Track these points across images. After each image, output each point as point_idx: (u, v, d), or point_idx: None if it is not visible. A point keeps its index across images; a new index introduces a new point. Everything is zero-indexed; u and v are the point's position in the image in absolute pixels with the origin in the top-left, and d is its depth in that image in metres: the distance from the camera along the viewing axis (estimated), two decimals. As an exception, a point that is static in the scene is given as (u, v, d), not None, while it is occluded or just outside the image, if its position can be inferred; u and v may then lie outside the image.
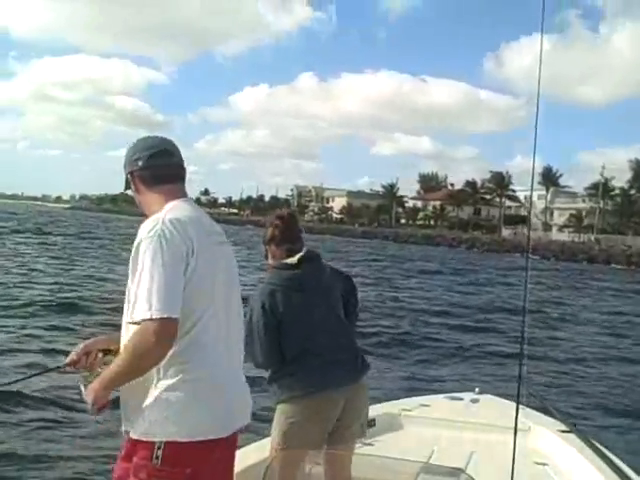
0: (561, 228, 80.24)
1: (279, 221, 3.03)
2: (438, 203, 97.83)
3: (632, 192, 77.45)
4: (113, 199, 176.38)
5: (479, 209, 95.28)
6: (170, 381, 1.96)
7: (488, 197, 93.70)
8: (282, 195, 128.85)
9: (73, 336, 10.20)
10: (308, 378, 2.85)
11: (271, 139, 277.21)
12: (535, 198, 79.85)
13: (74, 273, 19.97)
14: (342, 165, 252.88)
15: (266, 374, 2.98)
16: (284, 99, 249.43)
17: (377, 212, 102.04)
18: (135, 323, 1.92)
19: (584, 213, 79.15)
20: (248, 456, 2.54)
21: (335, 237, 71.56)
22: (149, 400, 1.97)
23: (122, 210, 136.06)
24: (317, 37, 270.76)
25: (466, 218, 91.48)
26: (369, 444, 3.59)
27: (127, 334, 2.02)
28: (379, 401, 4.44)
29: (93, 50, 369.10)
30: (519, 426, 2.68)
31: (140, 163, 2.16)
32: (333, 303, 3.03)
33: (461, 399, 4.75)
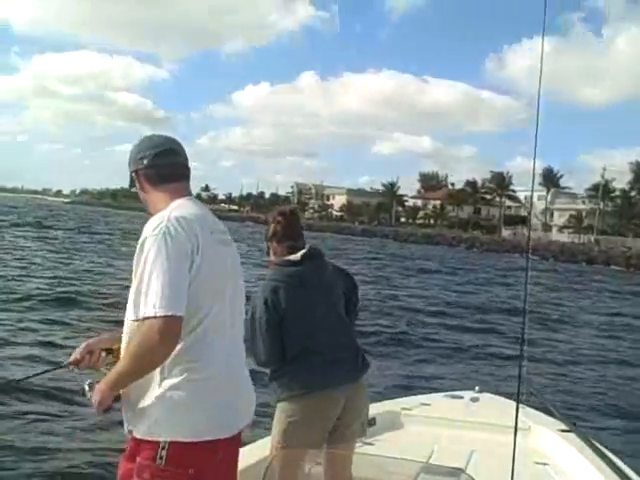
0: (561, 229, 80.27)
1: (281, 217, 3.02)
2: (438, 202, 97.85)
3: (632, 194, 77.49)
4: (113, 194, 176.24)
5: (479, 209, 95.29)
6: (175, 380, 1.95)
7: (488, 197, 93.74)
8: (282, 192, 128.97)
9: (69, 330, 10.23)
10: (308, 377, 2.84)
11: (272, 137, 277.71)
12: (535, 199, 79.89)
13: (73, 267, 19.96)
14: (342, 163, 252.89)
15: (266, 370, 2.96)
16: (286, 97, 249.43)
17: (377, 210, 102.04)
18: (139, 320, 1.90)
19: (584, 214, 79.19)
20: (248, 455, 2.53)
21: (335, 235, 71.51)
22: (153, 399, 1.96)
23: (122, 205, 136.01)
24: (319, 36, 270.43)
25: (466, 218, 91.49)
26: (369, 443, 3.58)
27: (129, 332, 2.01)
28: (379, 400, 4.42)
29: (95, 46, 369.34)
30: (519, 425, 2.67)
31: (145, 162, 2.15)
32: (334, 301, 3.02)
33: (461, 398, 4.75)
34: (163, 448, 1.92)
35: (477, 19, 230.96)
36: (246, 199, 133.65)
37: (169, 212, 2.00)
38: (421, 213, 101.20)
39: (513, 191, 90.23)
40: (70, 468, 5.08)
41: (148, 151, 2.16)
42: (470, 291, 24.09)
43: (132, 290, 1.98)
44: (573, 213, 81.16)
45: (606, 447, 3.68)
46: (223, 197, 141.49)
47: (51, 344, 8.99)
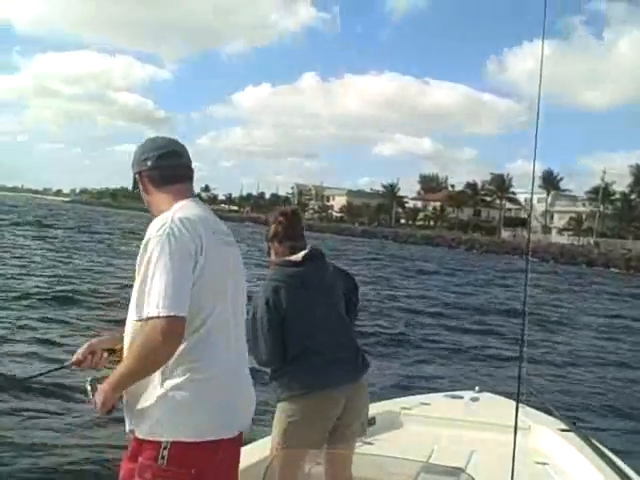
0: (561, 231, 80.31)
1: (283, 218, 3.03)
2: (438, 204, 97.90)
3: (632, 197, 77.54)
4: (113, 194, 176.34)
5: (479, 211, 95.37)
6: (177, 380, 1.95)
7: (488, 199, 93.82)
8: (282, 193, 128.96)
9: (68, 329, 10.25)
10: (309, 377, 2.84)
11: (273, 137, 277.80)
12: (535, 201, 79.93)
13: (72, 266, 19.94)
14: (343, 164, 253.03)
15: (266, 369, 2.97)
16: (287, 98, 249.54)
17: (377, 211, 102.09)
18: (142, 320, 1.91)
19: (584, 217, 79.24)
20: (249, 455, 2.53)
21: (335, 236, 71.53)
22: (155, 399, 1.96)
23: (122, 205, 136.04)
24: (321, 37, 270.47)
25: (466, 219, 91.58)
26: (369, 443, 3.59)
27: (132, 331, 2.01)
28: (379, 400, 4.42)
29: (96, 45, 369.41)
30: (519, 425, 2.67)
31: (149, 163, 2.16)
32: (335, 301, 3.02)
33: (461, 398, 4.76)
34: (165, 448, 1.92)
35: (478, 21, 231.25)
36: (246, 199, 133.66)
37: (173, 213, 2.01)
38: (421, 214, 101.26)
39: (513, 193, 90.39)
40: (69, 465, 5.09)
41: (152, 153, 2.17)
42: (469, 292, 24.09)
43: (135, 290, 1.98)
44: (573, 215, 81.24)
45: (606, 447, 3.68)
46: (223, 197, 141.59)
47: (49, 342, 9.02)
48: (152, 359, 1.89)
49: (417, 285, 25.28)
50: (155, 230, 1.96)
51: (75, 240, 32.01)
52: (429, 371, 10.05)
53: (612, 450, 3.73)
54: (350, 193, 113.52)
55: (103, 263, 21.89)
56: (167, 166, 2.16)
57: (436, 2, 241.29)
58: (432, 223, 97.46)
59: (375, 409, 3.76)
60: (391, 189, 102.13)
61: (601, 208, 76.96)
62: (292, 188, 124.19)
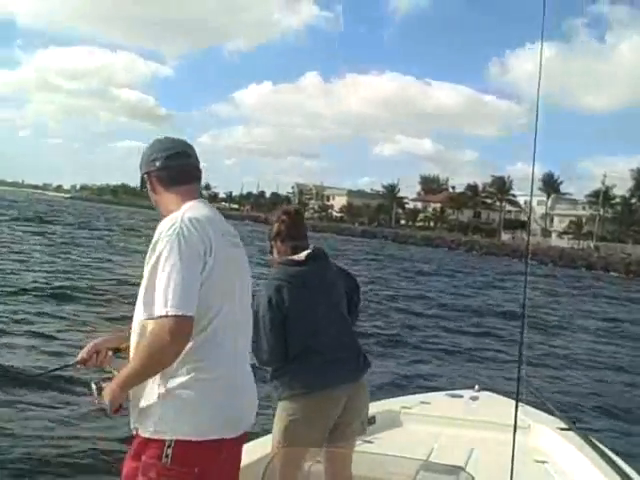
0: (560, 234, 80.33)
1: (286, 217, 3.04)
2: (438, 205, 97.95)
3: (633, 201, 77.57)
4: (113, 190, 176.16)
5: (479, 212, 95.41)
6: (183, 379, 1.96)
7: (489, 201, 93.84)
8: (283, 192, 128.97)
9: (64, 324, 10.26)
10: (309, 376, 2.85)
11: (274, 136, 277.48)
12: (535, 204, 79.93)
13: (70, 262, 19.95)
14: (343, 164, 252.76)
15: (268, 368, 2.97)
16: (288, 97, 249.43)
17: (377, 212, 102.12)
18: (150, 319, 1.92)
19: (584, 220, 79.26)
20: (249, 453, 2.54)
21: (335, 236, 71.56)
22: (160, 398, 1.97)
23: (122, 201, 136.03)
24: (323, 36, 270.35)
25: (466, 221, 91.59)
26: (369, 441, 3.60)
27: (139, 330, 2.02)
28: (379, 399, 4.44)
29: (99, 41, 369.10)
30: (519, 423, 2.68)
31: (158, 163, 2.18)
32: (337, 301, 3.03)
33: (461, 397, 4.77)
34: (169, 447, 1.93)
35: (481, 22, 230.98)
36: (246, 198, 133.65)
37: (182, 213, 2.02)
38: (421, 216, 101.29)
39: (513, 196, 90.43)
40: (65, 455, 5.15)
41: (160, 153, 2.18)
42: (468, 294, 24.11)
43: (142, 289, 1.99)
44: (573, 219, 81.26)
45: (605, 446, 3.69)
46: (224, 196, 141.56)
47: (45, 336, 9.08)
48: (159, 358, 1.90)
49: (416, 286, 25.29)
50: (165, 230, 1.97)
51: (75, 236, 32.04)
52: (428, 371, 10.06)
53: (611, 451, 3.73)
54: (350, 193, 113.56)
55: (102, 259, 21.91)
56: (175, 166, 2.17)
57: (439, 2, 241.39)
58: (432, 224, 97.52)
59: (375, 408, 3.78)
60: (391, 190, 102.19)
61: (601, 212, 77.01)
62: (292, 187, 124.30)
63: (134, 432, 2.05)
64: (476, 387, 4.96)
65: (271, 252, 3.11)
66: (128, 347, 2.12)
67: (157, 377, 1.96)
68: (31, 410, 6.10)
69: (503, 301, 22.01)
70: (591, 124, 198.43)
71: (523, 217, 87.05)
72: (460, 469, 2.54)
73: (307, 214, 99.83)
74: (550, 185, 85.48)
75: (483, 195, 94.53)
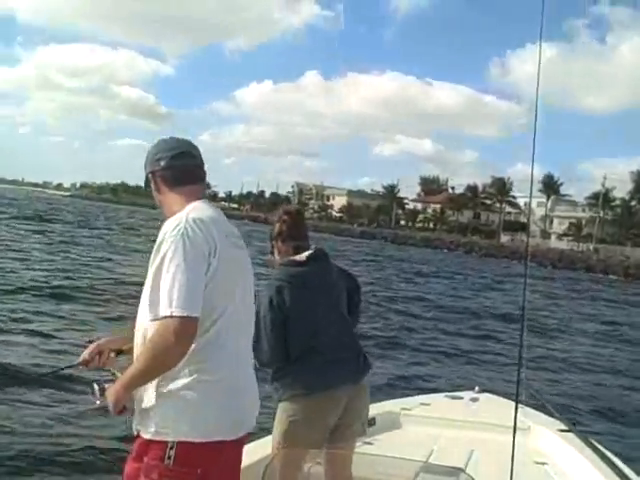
0: (560, 236, 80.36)
1: (287, 217, 3.04)
2: (438, 206, 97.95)
3: (632, 203, 77.59)
4: (113, 189, 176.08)
5: (479, 214, 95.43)
6: (185, 380, 1.96)
7: (488, 202, 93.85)
8: (283, 192, 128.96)
9: (62, 323, 10.26)
10: (310, 377, 2.85)
11: (274, 135, 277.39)
12: (535, 205, 79.92)
13: (69, 261, 19.93)
14: (343, 164, 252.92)
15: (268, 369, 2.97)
16: (288, 96, 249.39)
17: (377, 212, 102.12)
18: (154, 320, 1.92)
19: (584, 222, 79.29)
20: (249, 454, 2.54)
21: (334, 236, 71.57)
22: (163, 399, 1.97)
23: (122, 200, 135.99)
24: (323, 35, 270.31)
25: (465, 222, 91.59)
26: (369, 443, 3.60)
27: (143, 331, 2.02)
28: (379, 400, 4.44)
29: (99, 39, 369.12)
30: (519, 425, 2.68)
31: (162, 163, 2.18)
32: (337, 302, 3.04)
33: (461, 398, 4.78)
34: (171, 448, 1.93)
35: (482, 22, 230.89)
36: (246, 197, 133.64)
37: (187, 214, 2.02)
38: (421, 216, 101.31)
39: (513, 197, 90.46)
40: (63, 455, 5.15)
41: (165, 153, 2.19)
42: (467, 296, 24.09)
43: (147, 289, 1.99)
44: (573, 221, 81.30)
45: (605, 448, 3.68)
46: (223, 195, 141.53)
47: (43, 334, 9.08)
48: (164, 359, 1.90)
49: (415, 287, 25.28)
50: (169, 231, 1.97)
51: (74, 235, 32.00)
52: (427, 373, 10.06)
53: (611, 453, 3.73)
54: (350, 193, 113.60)
55: (102, 258, 21.87)
56: (180, 166, 2.18)
57: (439, 2, 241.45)
58: (432, 225, 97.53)
59: (375, 409, 3.77)
60: (391, 190, 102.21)
61: (601, 214, 77.04)
62: (292, 187, 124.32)
63: (135, 433, 2.05)
64: (476, 388, 4.96)
65: (272, 252, 3.11)
66: (131, 348, 2.12)
67: (159, 378, 1.96)
68: (29, 409, 6.10)
69: (502, 303, 22.00)
70: (591, 125, 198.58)
71: (523, 219, 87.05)
72: (460, 471, 2.54)
73: (307, 214, 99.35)
74: (550, 187, 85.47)
75: (483, 196, 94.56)
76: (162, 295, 1.90)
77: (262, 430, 3.15)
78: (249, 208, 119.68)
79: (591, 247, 70.67)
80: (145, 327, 2.01)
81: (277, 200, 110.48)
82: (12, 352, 7.95)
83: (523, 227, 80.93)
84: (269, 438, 3.00)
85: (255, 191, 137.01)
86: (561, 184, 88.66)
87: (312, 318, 2.90)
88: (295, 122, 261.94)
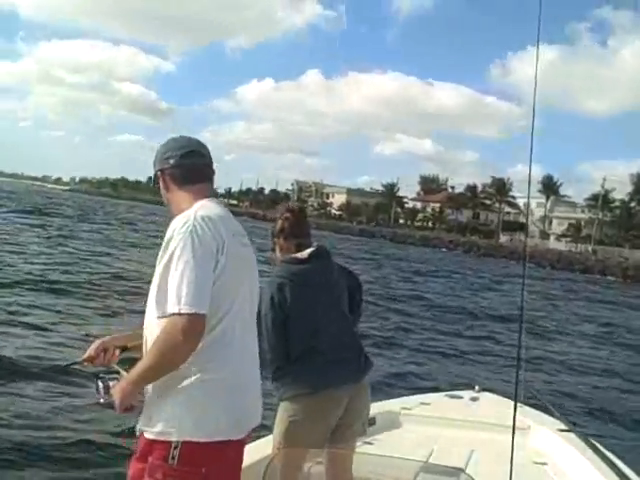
0: (559, 237, 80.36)
1: (289, 214, 3.04)
2: (437, 205, 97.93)
3: (632, 205, 77.59)
4: (113, 184, 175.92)
5: (478, 213, 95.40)
6: (190, 379, 1.96)
7: (488, 202, 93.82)
8: (282, 189, 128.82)
9: (58, 317, 10.26)
10: (311, 376, 2.84)
11: (274, 133, 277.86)
12: (534, 206, 79.91)
13: (67, 255, 19.88)
14: (343, 162, 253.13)
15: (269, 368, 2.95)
16: (289, 94, 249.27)
17: (376, 211, 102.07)
18: (162, 317, 1.92)
19: (583, 223, 79.30)
20: (250, 454, 2.53)
21: (333, 234, 71.54)
22: (167, 399, 1.97)
23: (121, 195, 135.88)
24: (325, 35, 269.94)
25: (465, 222, 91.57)
26: (369, 443, 3.60)
27: (151, 328, 2.02)
28: (379, 399, 4.43)
29: (101, 35, 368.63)
30: (519, 425, 2.67)
31: (172, 161, 2.19)
32: (339, 300, 3.03)
33: (461, 397, 4.77)
34: (175, 447, 1.93)
35: (483, 24, 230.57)
36: (245, 194, 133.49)
37: (195, 212, 2.02)
38: (420, 215, 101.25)
39: (513, 197, 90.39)
40: (60, 450, 5.15)
41: (175, 151, 2.20)
42: (465, 296, 24.09)
43: (155, 286, 1.99)
44: (572, 222, 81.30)
45: (605, 448, 3.67)
46: (223, 191, 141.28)
47: (39, 328, 9.09)
48: (172, 357, 1.90)
49: (413, 286, 25.26)
50: (178, 228, 1.97)
51: (73, 229, 31.96)
52: (425, 372, 10.05)
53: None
54: (350, 191, 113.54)
55: (100, 253, 21.84)
56: (189, 165, 2.18)
57: (441, 4, 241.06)
58: (431, 224, 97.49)
59: (375, 409, 3.76)
60: (391, 189, 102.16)
61: (600, 215, 77.04)
62: (292, 184, 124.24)
63: (138, 434, 2.04)
64: (476, 388, 4.95)
65: (273, 249, 3.11)
66: (136, 346, 2.13)
67: (165, 377, 1.95)
68: (25, 402, 6.10)
69: (500, 304, 21.99)
70: (592, 128, 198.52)
71: (522, 219, 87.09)
72: (460, 471, 2.52)
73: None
74: (549, 187, 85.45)
75: (482, 196, 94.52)
76: (170, 292, 1.89)
77: (263, 428, 3.14)
78: (248, 205, 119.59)
79: (590, 248, 70.67)
80: (153, 324, 2.00)
81: (276, 197, 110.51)
82: (8, 345, 7.94)
83: (522, 227, 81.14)
84: (270, 438, 3.00)
85: (254, 188, 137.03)
86: (560, 185, 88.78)
87: (313, 316, 2.89)
88: (296, 120, 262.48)
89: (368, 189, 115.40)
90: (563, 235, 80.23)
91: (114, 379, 2.05)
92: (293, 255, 2.97)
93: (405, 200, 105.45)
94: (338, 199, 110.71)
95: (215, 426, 1.97)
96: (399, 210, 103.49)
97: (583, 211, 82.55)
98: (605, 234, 76.11)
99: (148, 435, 1.99)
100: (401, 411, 4.29)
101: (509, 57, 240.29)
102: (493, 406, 4.52)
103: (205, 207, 2.07)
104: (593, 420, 8.41)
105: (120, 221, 44.92)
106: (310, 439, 2.82)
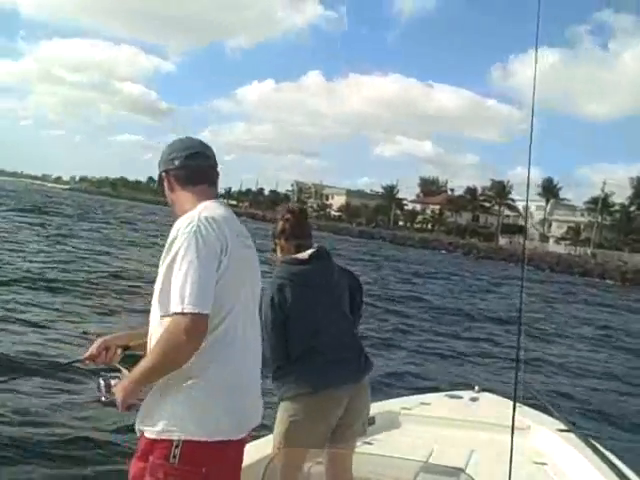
0: (558, 240, 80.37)
1: (290, 215, 3.04)
2: (437, 207, 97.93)
3: (631, 209, 77.64)
4: (113, 183, 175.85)
5: (477, 216, 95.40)
6: (191, 379, 1.96)
7: (487, 205, 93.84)
8: (282, 190, 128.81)
9: (55, 315, 10.26)
10: (312, 376, 2.84)
11: (274, 134, 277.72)
12: (534, 209, 79.92)
13: (66, 254, 19.87)
14: (343, 164, 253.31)
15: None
16: (290, 95, 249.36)
17: (375, 212, 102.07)
18: (166, 317, 1.93)
19: (582, 227, 79.32)
20: (250, 453, 2.54)
21: (332, 235, 71.51)
22: (168, 398, 1.97)
23: (121, 195, 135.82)
24: (326, 36, 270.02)
25: (464, 224, 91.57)
26: (369, 443, 3.60)
27: (155, 328, 2.02)
28: (378, 399, 4.43)
29: (102, 34, 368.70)
30: (518, 425, 2.67)
31: (177, 162, 2.20)
32: (339, 301, 3.03)
33: (461, 397, 4.77)
34: (177, 447, 1.94)
35: (484, 26, 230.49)
36: (245, 195, 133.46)
37: (199, 212, 2.03)
38: (419, 217, 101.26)
39: (512, 200, 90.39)
40: (59, 447, 5.16)
41: (180, 152, 2.21)
42: (464, 298, 24.09)
43: (158, 286, 2.00)
44: (571, 225, 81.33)
45: (605, 448, 3.67)
46: (222, 192, 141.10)
47: (38, 325, 9.10)
48: (175, 356, 1.90)
49: (412, 288, 25.26)
50: (182, 228, 1.98)
51: (72, 228, 31.95)
52: (424, 373, 10.05)
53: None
54: (349, 193, 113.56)
55: (99, 252, 21.83)
56: (194, 166, 2.19)
57: (443, 6, 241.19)
58: (430, 226, 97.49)
59: (375, 409, 3.76)
60: (390, 191, 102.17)
61: (599, 219, 77.08)
62: (292, 185, 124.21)
63: (138, 434, 2.05)
64: (476, 388, 4.95)
65: (274, 250, 3.11)
66: (138, 345, 2.15)
67: (167, 376, 1.96)
68: (22, 399, 6.09)
69: (499, 306, 21.99)
70: (592, 131, 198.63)
71: (521, 222, 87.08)
72: (460, 471, 2.53)
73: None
74: (549, 190, 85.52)
75: (482, 199, 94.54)
76: (173, 292, 1.90)
77: (263, 427, 3.14)
78: (248, 205, 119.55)
79: (589, 252, 70.67)
80: (157, 323, 2.01)
81: (276, 198, 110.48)
82: (6, 342, 7.94)
83: (521, 230, 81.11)
84: (270, 437, 3.00)
85: (254, 188, 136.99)
86: (560, 188, 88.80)
87: (313, 317, 2.89)
88: (296, 121, 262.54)
89: (368, 190, 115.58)
90: (562, 238, 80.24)
91: (116, 377, 2.06)
92: (293, 256, 2.98)
93: (405, 202, 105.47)
94: (337, 200, 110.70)
95: (216, 426, 1.97)
96: (399, 212, 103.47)
97: (582, 214, 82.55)
98: (604, 237, 76.14)
99: (149, 434, 1.99)
100: (401, 411, 4.29)
101: (510, 60, 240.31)
102: (493, 406, 4.52)
103: (209, 208, 2.08)
104: (591, 422, 8.41)
105: (119, 220, 44.92)
106: (310, 439, 2.82)
